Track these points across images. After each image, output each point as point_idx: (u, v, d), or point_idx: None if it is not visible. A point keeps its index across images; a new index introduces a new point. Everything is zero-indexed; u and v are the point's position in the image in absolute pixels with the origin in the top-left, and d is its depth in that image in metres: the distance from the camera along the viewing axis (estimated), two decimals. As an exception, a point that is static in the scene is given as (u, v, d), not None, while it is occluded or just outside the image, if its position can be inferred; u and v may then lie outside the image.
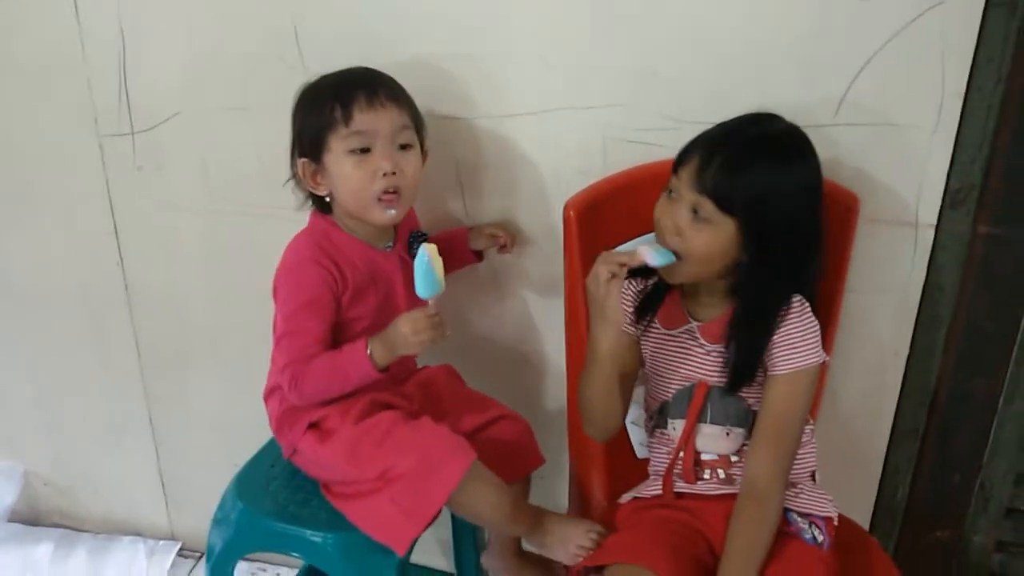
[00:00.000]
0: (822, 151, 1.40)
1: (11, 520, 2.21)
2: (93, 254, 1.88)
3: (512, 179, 1.62)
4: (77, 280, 1.92)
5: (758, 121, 1.30)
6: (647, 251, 1.27)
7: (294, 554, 1.44)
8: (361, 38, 1.55)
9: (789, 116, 1.33)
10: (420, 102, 1.51)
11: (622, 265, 1.27)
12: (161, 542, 2.16)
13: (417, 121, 1.47)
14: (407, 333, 1.36)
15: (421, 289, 1.35)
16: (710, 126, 1.31)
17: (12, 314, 2.01)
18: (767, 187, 1.24)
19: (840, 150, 1.44)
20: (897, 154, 1.43)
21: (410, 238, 1.52)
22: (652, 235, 1.33)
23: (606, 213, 1.47)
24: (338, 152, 1.41)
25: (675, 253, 1.27)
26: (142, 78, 1.69)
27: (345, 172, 1.41)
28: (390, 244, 1.50)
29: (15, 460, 2.20)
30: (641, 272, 1.32)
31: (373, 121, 1.39)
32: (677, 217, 1.26)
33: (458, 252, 1.63)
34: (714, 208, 1.24)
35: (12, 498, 2.18)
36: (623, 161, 1.51)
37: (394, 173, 1.40)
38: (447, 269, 1.39)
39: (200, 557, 2.13)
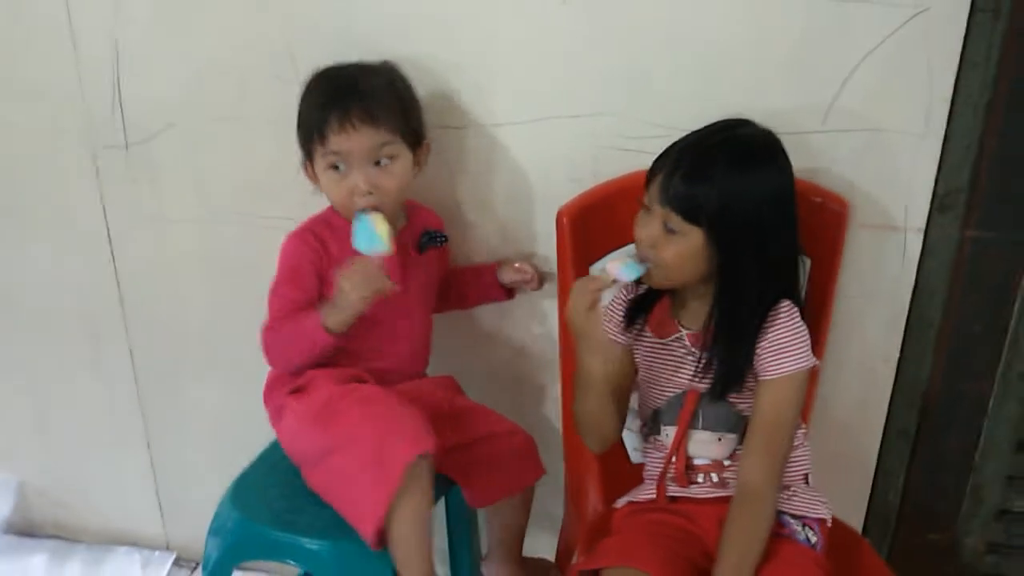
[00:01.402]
0: (811, 158, 1.42)
1: (6, 532, 2.19)
2: (87, 266, 1.88)
3: (504, 188, 1.62)
4: (72, 292, 1.92)
5: (725, 128, 1.31)
6: (616, 267, 1.29)
7: (290, 562, 1.44)
8: (353, 46, 1.55)
9: (778, 123, 1.35)
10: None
11: (598, 290, 1.28)
12: (157, 552, 2.16)
13: (407, 124, 1.46)
14: (346, 289, 1.37)
15: (359, 243, 1.38)
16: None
17: (6, 327, 2.01)
18: (728, 195, 1.24)
19: (829, 156, 1.46)
20: (886, 159, 1.44)
21: (423, 237, 1.54)
22: (627, 248, 1.36)
23: (598, 220, 1.49)
24: (320, 166, 1.45)
25: (651, 264, 1.28)
26: (136, 90, 1.69)
27: (326, 185, 1.46)
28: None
29: (10, 471, 2.19)
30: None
31: (346, 143, 1.41)
32: (651, 230, 1.28)
33: (485, 284, 1.64)
34: (680, 220, 1.25)
35: (7, 510, 2.18)
36: (614, 169, 1.52)
37: (371, 192, 1.42)
38: (474, 298, 1.49)
39: (196, 567, 2.12)
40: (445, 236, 1.57)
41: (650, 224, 1.29)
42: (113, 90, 1.70)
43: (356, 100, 1.41)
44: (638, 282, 1.33)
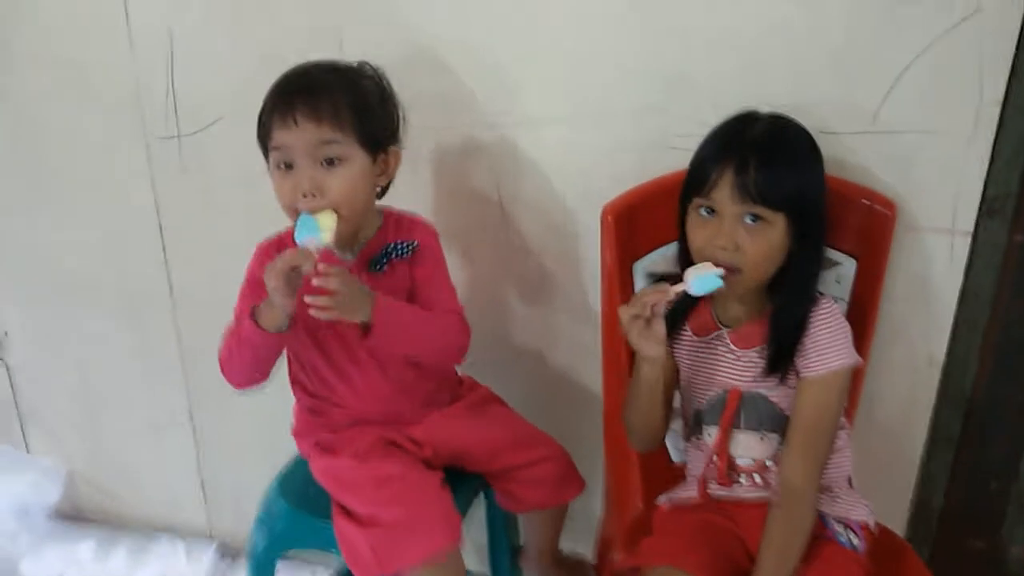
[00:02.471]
0: (859, 158, 1.42)
1: (55, 518, 2.25)
2: (138, 254, 1.92)
3: (547, 185, 1.63)
4: (122, 281, 1.97)
5: (755, 119, 1.30)
6: (691, 282, 1.26)
7: (336, 552, 1.45)
8: (402, 44, 1.58)
9: (825, 123, 1.35)
10: (456, 106, 1.52)
11: (653, 304, 1.26)
12: (200, 540, 2.20)
13: (363, 127, 1.38)
14: (268, 285, 1.31)
15: (297, 234, 1.32)
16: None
17: (58, 314, 2.06)
18: (804, 179, 1.27)
19: (877, 157, 1.45)
20: (934, 162, 1.43)
21: (386, 248, 1.47)
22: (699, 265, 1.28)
23: (643, 218, 1.49)
24: (271, 164, 1.40)
25: (731, 267, 1.26)
26: (190, 81, 1.73)
27: (274, 184, 1.40)
28: (349, 256, 1.46)
29: (59, 459, 2.24)
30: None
31: (287, 138, 1.35)
32: (728, 233, 1.26)
33: None
34: (764, 208, 1.24)
35: (56, 496, 2.23)
36: (659, 168, 1.51)
37: (314, 195, 1.35)
38: None
39: (237, 556, 2.15)
40: (411, 244, 1.47)
41: (723, 227, 1.26)
42: (167, 81, 1.73)
43: (302, 96, 1.35)
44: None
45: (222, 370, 1.45)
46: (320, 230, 1.31)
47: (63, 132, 1.87)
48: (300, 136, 1.35)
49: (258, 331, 1.36)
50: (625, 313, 1.28)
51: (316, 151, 1.35)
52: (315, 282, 1.28)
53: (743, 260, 1.26)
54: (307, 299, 1.29)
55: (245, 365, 1.43)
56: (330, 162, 1.36)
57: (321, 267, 1.28)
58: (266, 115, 1.38)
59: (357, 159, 1.38)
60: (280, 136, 1.36)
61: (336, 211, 1.35)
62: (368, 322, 1.35)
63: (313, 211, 1.34)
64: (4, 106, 1.89)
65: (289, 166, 1.37)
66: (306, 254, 1.28)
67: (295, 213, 1.37)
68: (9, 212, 1.99)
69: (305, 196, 1.35)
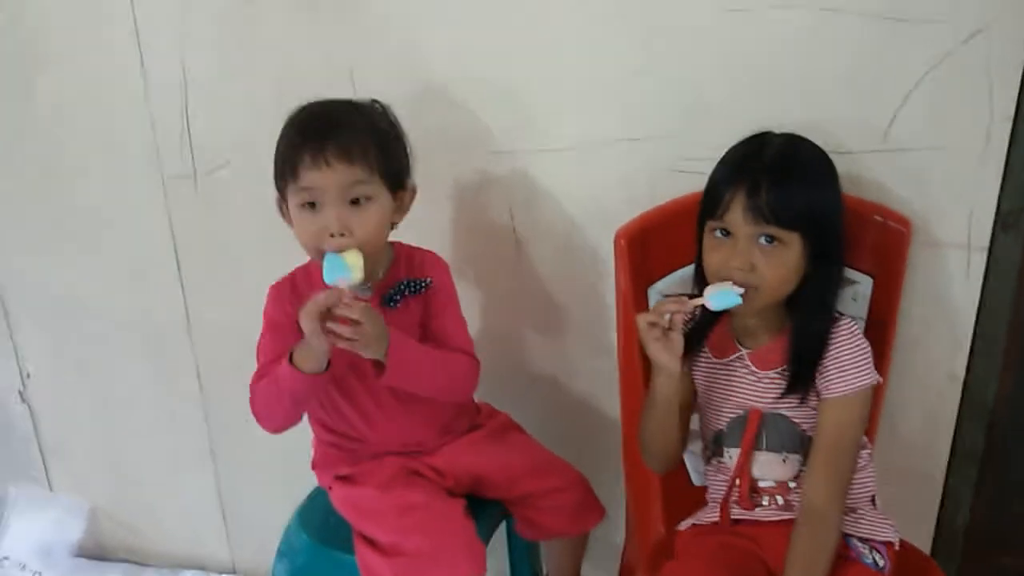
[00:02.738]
0: (872, 176, 1.42)
1: (79, 555, 2.25)
2: (157, 291, 1.93)
3: (561, 210, 1.64)
4: (142, 317, 1.98)
5: (768, 140, 1.31)
6: (709, 297, 1.26)
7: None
8: (412, 81, 1.59)
9: (837, 142, 1.35)
10: (469, 136, 1.53)
11: (672, 313, 1.27)
12: (224, 575, 2.20)
13: (386, 165, 1.39)
14: (302, 324, 1.29)
15: (327, 275, 1.31)
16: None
17: (79, 352, 2.07)
18: (818, 197, 1.27)
19: (890, 175, 1.45)
20: (948, 178, 1.43)
21: (399, 285, 1.47)
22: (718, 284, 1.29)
23: (656, 242, 1.49)
24: (292, 204, 1.38)
25: (749, 287, 1.26)
26: (204, 120, 1.75)
27: (298, 224, 1.39)
28: (369, 288, 1.44)
29: (82, 496, 2.25)
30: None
31: (319, 180, 1.34)
32: (743, 254, 1.26)
33: None
34: (778, 229, 1.24)
35: (79, 533, 2.23)
36: (671, 191, 1.52)
37: (343, 235, 1.34)
38: None
39: (261, 589, 2.15)
40: (424, 281, 1.48)
41: (737, 248, 1.27)
42: (182, 121, 1.75)
43: (332, 136, 1.34)
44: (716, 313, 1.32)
45: (257, 419, 1.44)
46: (349, 269, 1.31)
47: (83, 173, 1.89)
48: (331, 177, 1.33)
49: (298, 376, 1.34)
50: (643, 320, 1.28)
51: (346, 192, 1.35)
52: (339, 310, 1.28)
53: (759, 280, 1.26)
54: (330, 325, 1.28)
55: (286, 411, 1.42)
56: (355, 201, 1.36)
57: (347, 298, 1.28)
58: (292, 155, 1.36)
59: (381, 197, 1.39)
60: (310, 177, 1.34)
61: (360, 248, 1.34)
62: (383, 360, 1.35)
63: (340, 250, 1.33)
64: (27, 149, 1.91)
65: (313, 205, 1.36)
66: (339, 294, 1.28)
67: (319, 252, 1.36)
68: (33, 252, 2.01)
69: (333, 236, 1.34)
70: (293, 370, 1.34)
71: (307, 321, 1.28)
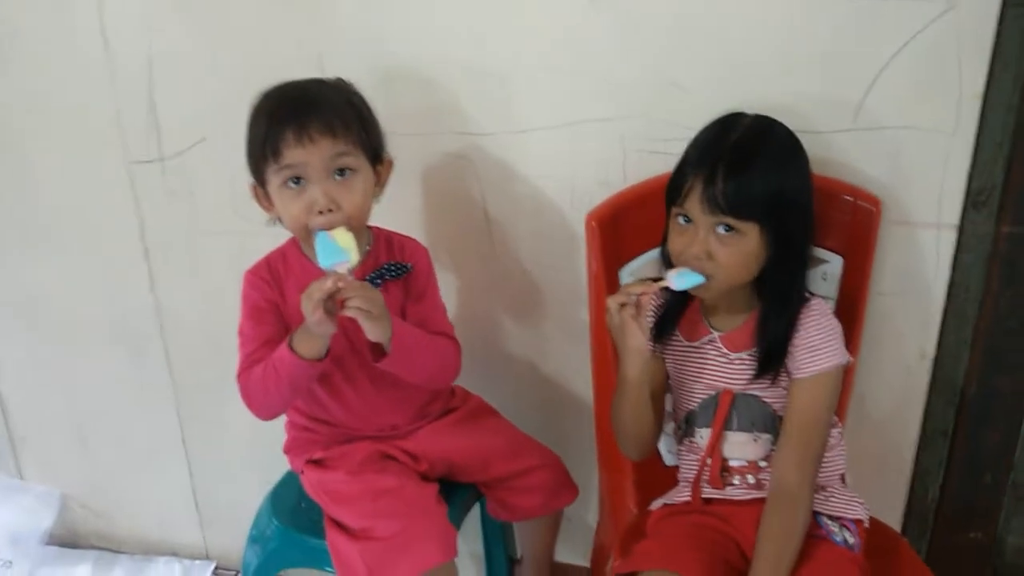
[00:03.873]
0: (842, 155, 1.42)
1: (50, 543, 2.24)
2: (125, 279, 1.91)
3: (533, 193, 1.63)
4: (110, 305, 1.96)
5: (736, 124, 1.30)
6: (672, 278, 1.27)
7: (329, 569, 1.45)
8: (382, 57, 1.58)
9: (807, 122, 1.35)
10: (440, 119, 1.52)
11: (640, 295, 1.27)
12: (197, 562, 2.19)
13: (366, 138, 1.40)
14: (305, 311, 1.29)
15: (322, 259, 1.30)
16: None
17: (47, 340, 2.05)
18: (776, 184, 1.25)
19: (861, 154, 1.45)
20: (918, 157, 1.44)
21: (380, 269, 1.47)
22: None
23: (628, 223, 1.49)
24: (274, 184, 1.37)
25: (706, 275, 1.27)
26: (170, 104, 1.72)
27: (283, 204, 1.38)
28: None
29: (53, 484, 2.23)
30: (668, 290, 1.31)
31: (303, 156, 1.33)
32: (700, 241, 1.26)
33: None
34: (734, 219, 1.24)
35: (50, 521, 2.22)
36: (643, 172, 1.52)
37: (331, 210, 1.34)
38: None
39: (236, 575, 2.15)
40: (405, 266, 1.48)
41: (697, 236, 1.27)
42: (148, 104, 1.73)
43: (313, 112, 1.34)
44: (684, 293, 1.32)
45: (251, 407, 1.43)
46: (346, 252, 1.30)
47: (46, 160, 1.86)
48: (316, 152, 1.33)
49: (299, 362, 1.34)
50: (613, 302, 1.28)
51: (330, 164, 1.35)
52: (345, 294, 1.27)
53: (715, 268, 1.26)
54: (348, 305, 1.27)
55: (284, 398, 1.41)
56: (341, 173, 1.36)
57: (348, 279, 1.28)
58: (272, 135, 1.34)
59: (364, 170, 1.39)
60: (294, 154, 1.33)
61: (347, 224, 1.34)
62: (385, 344, 1.35)
63: (329, 227, 1.33)
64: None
65: (297, 181, 1.36)
66: (338, 278, 1.27)
67: (306, 231, 1.37)
68: (0, 242, 1.99)
69: (321, 212, 1.34)
70: (294, 356, 1.33)
71: (310, 310, 1.27)
